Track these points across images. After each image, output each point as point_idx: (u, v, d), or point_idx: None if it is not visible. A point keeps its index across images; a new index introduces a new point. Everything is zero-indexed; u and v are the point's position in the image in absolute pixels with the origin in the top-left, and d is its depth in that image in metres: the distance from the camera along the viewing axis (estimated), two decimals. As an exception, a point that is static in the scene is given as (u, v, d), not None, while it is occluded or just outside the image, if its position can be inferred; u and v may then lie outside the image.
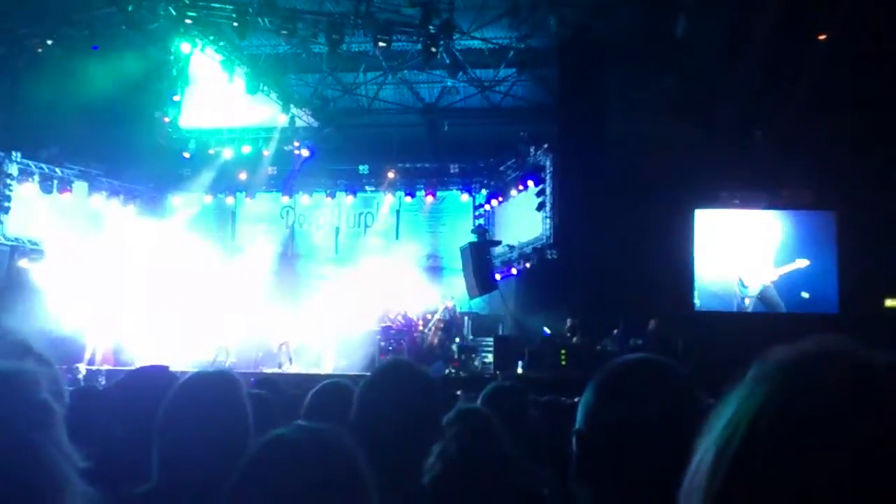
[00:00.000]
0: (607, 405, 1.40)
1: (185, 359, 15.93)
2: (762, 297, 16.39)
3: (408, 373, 2.46)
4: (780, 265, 16.38)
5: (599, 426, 1.39)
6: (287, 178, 19.64)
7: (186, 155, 19.32)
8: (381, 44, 15.14)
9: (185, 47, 16.04)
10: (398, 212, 20.28)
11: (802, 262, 16.30)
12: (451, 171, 19.73)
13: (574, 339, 14.68)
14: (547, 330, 15.52)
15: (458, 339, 16.44)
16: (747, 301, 16.45)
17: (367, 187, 20.15)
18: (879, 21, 13.39)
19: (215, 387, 2.21)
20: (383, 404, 2.26)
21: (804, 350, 0.71)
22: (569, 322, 15.02)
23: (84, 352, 15.43)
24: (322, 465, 1.41)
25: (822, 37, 14.40)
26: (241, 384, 2.27)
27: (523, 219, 18.02)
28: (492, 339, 15.57)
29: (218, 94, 17.86)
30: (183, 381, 2.23)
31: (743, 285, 16.46)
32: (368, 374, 2.56)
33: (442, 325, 17.24)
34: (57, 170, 18.10)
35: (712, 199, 16.81)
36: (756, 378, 0.70)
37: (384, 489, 1.50)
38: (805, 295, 16.18)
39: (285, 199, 20.14)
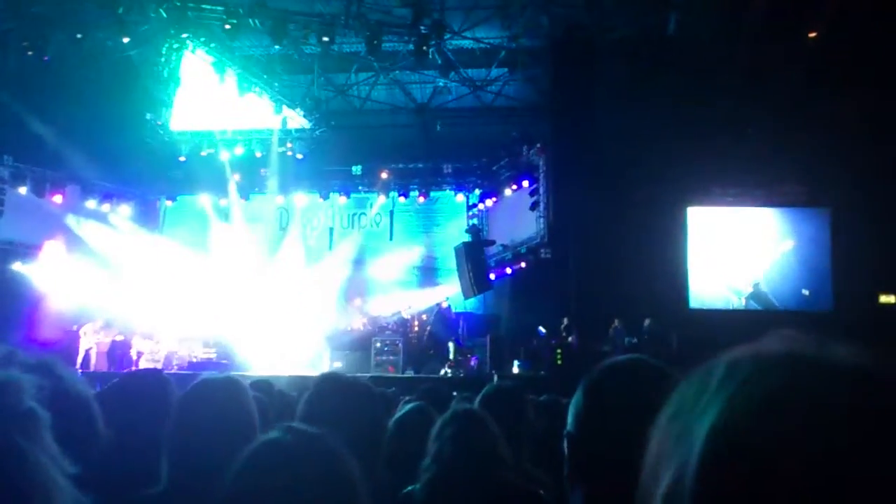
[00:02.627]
0: (597, 407, 1.40)
1: (179, 359, 15.99)
2: (755, 296, 16.43)
3: (345, 385, 2.48)
4: (770, 259, 16.47)
5: (589, 428, 1.39)
6: (280, 180, 19.59)
7: (182, 158, 19.27)
8: (374, 42, 15.16)
9: (175, 49, 16.02)
10: (392, 212, 20.25)
11: (787, 244, 16.36)
12: (445, 171, 19.71)
13: (569, 339, 14.69)
14: (542, 329, 15.52)
15: (453, 340, 16.43)
16: (744, 301, 16.49)
17: (360, 188, 20.11)
18: (869, 18, 13.43)
19: (224, 392, 2.23)
20: (324, 418, 2.27)
21: (763, 352, 0.65)
22: (564, 321, 15.02)
23: (77, 355, 15.35)
24: (315, 469, 1.40)
25: (813, 34, 14.44)
26: (247, 389, 2.29)
27: (517, 218, 18.02)
28: (487, 338, 15.57)
29: (209, 96, 17.82)
30: (192, 385, 2.26)
31: (735, 288, 16.51)
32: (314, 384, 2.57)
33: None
34: (49, 173, 18.04)
35: (705, 197, 16.84)
36: (711, 382, 0.65)
37: None
38: (805, 292, 16.23)
39: (279, 201, 20.09)
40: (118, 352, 16.02)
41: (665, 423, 0.68)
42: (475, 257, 16.86)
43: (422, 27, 15.14)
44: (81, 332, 15.60)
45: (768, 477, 0.57)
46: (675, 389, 0.70)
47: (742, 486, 0.58)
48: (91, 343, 15.67)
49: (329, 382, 2.50)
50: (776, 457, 0.57)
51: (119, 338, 16.00)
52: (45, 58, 15.83)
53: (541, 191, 17.07)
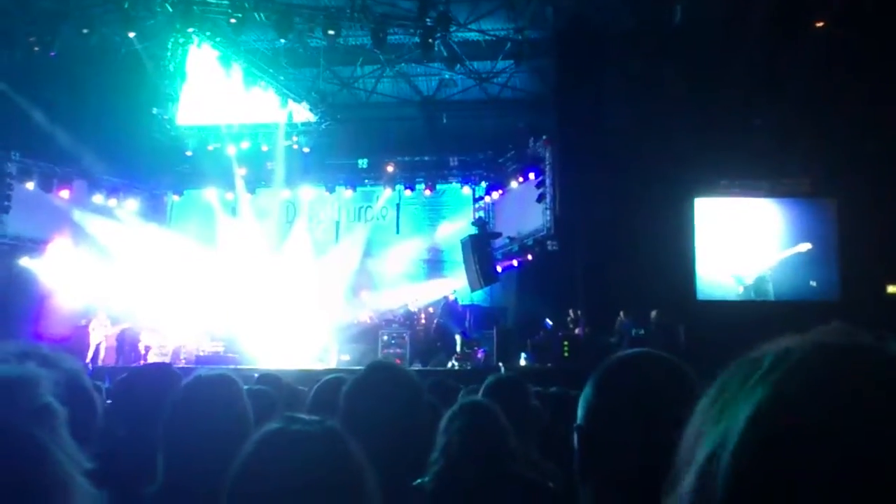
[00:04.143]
0: (607, 400, 1.39)
1: (186, 353, 16.04)
2: (756, 286, 16.39)
3: (393, 374, 2.48)
4: (781, 251, 16.42)
5: (599, 422, 1.39)
6: (287, 174, 19.61)
7: (188, 153, 19.31)
8: (379, 34, 15.15)
9: (181, 43, 16.04)
10: (398, 205, 20.25)
11: (805, 246, 16.31)
12: (451, 163, 19.68)
13: (576, 331, 14.68)
14: (549, 321, 15.52)
15: (460, 332, 16.44)
16: (740, 290, 16.47)
17: (366, 181, 20.10)
18: (876, 8, 13.36)
19: (218, 389, 2.24)
20: (369, 406, 2.27)
21: (815, 341, 0.65)
22: (571, 313, 15.02)
23: (87, 349, 15.40)
24: (320, 458, 1.41)
25: (820, 24, 14.37)
26: (241, 386, 2.30)
27: (523, 210, 18.00)
28: (494, 331, 15.56)
29: (215, 90, 17.84)
30: (186, 383, 2.26)
31: (738, 278, 16.47)
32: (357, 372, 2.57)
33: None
34: (56, 168, 18.09)
35: (712, 188, 16.79)
36: (759, 368, 0.64)
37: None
38: (813, 284, 16.19)
39: (285, 194, 20.11)
40: (126, 346, 16.07)
41: (706, 404, 0.68)
42: (482, 250, 16.85)
43: (427, 19, 15.12)
44: (91, 328, 15.66)
45: (808, 462, 0.57)
46: (720, 376, 0.69)
47: (780, 468, 0.58)
48: (100, 337, 15.73)
49: (379, 372, 2.51)
50: (818, 443, 0.57)
51: (127, 331, 16.05)
52: (52, 53, 15.87)
53: (547, 183, 17.04)
